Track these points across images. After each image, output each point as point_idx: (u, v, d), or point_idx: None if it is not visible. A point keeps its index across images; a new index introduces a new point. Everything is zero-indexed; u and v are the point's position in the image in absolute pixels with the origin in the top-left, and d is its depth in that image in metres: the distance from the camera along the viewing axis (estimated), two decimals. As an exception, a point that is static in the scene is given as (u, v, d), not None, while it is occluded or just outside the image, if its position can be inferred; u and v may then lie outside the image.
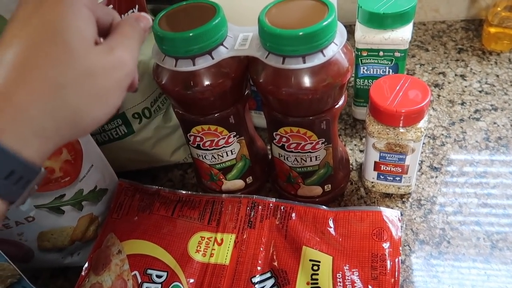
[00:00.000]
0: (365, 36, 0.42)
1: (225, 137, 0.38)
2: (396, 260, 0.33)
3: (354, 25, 0.44)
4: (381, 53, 0.43)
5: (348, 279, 0.33)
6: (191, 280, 0.35)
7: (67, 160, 0.34)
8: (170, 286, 0.35)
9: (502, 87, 0.51)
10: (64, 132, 0.21)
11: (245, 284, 0.34)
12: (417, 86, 0.36)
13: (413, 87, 0.36)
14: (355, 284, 0.33)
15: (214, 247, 0.37)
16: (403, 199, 0.42)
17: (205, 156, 0.40)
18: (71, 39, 0.20)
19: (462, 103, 0.50)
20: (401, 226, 0.39)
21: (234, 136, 0.38)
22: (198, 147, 0.39)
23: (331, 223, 0.37)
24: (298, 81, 0.31)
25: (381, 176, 0.41)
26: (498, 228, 0.38)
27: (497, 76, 0.53)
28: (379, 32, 0.41)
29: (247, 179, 0.43)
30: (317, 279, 0.33)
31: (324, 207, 0.38)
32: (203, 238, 0.38)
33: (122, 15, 0.37)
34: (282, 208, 0.38)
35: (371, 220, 0.36)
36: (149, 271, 0.36)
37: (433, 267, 0.37)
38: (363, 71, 0.45)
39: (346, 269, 0.34)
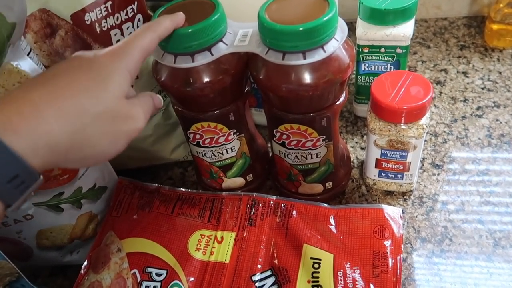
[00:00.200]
0: (367, 32, 0.42)
1: (225, 135, 0.38)
2: (398, 258, 0.33)
3: (355, 22, 0.44)
4: (382, 50, 0.42)
5: (349, 277, 0.33)
6: (191, 279, 0.35)
7: (65, 157, 0.34)
8: (170, 285, 0.35)
9: (505, 84, 0.51)
10: (72, 155, 0.23)
11: (245, 282, 0.34)
12: (419, 82, 0.36)
13: (415, 83, 0.36)
14: (356, 282, 0.32)
15: (214, 245, 0.37)
16: (405, 197, 0.42)
17: (205, 154, 0.39)
18: (110, 84, 0.24)
19: (464, 100, 0.50)
20: (403, 224, 0.39)
21: (234, 134, 0.38)
22: (198, 144, 0.39)
23: (332, 221, 0.37)
24: (299, 78, 0.30)
25: (382, 174, 0.41)
26: (500, 226, 0.38)
27: (500, 73, 0.52)
28: (380, 28, 0.41)
29: (247, 177, 0.42)
30: (318, 277, 0.33)
31: (325, 204, 0.38)
32: (203, 236, 0.37)
33: (121, 12, 0.37)
34: (282, 205, 0.38)
35: (373, 217, 0.36)
36: (149, 269, 0.36)
37: (435, 265, 0.36)
38: (364, 68, 0.45)
39: (347, 267, 0.33)
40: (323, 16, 0.29)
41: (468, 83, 0.52)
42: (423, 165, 0.44)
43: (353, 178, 0.44)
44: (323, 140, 0.36)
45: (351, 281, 0.32)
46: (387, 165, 0.39)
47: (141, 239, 0.38)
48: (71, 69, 0.24)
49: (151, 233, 0.38)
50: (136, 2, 0.38)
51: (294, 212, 0.37)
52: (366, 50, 0.43)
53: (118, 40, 0.38)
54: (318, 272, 0.33)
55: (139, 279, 0.35)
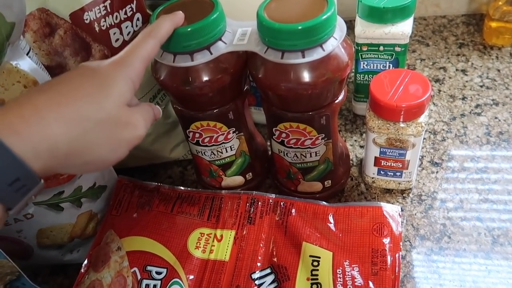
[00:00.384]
0: (365, 30, 0.42)
1: (224, 133, 0.38)
2: (397, 255, 0.33)
3: (354, 20, 0.44)
4: (381, 48, 0.42)
5: (348, 275, 0.33)
6: (191, 277, 0.35)
7: (65, 156, 0.34)
8: (170, 283, 0.35)
9: (503, 82, 0.51)
10: (72, 160, 0.23)
11: (245, 280, 0.34)
12: (417, 80, 0.36)
13: (413, 81, 0.36)
14: (356, 280, 0.32)
15: (214, 244, 0.37)
16: (404, 195, 0.42)
17: (204, 153, 0.40)
18: (113, 92, 0.25)
19: (463, 98, 0.50)
20: (402, 222, 0.39)
21: (233, 132, 0.38)
22: (197, 143, 0.39)
23: (331, 219, 0.37)
24: (297, 76, 0.30)
25: (381, 172, 0.41)
26: (499, 223, 0.38)
27: (498, 70, 0.52)
28: (379, 26, 0.41)
29: (246, 175, 0.42)
30: (317, 275, 0.33)
31: (324, 203, 0.38)
32: (202, 235, 0.38)
33: (120, 11, 0.37)
34: (282, 204, 0.38)
35: (371, 215, 0.36)
36: (149, 268, 0.36)
37: (434, 263, 0.36)
38: (363, 66, 0.45)
39: (346, 265, 0.33)
40: (322, 15, 0.29)
41: (467, 81, 0.52)
42: (422, 163, 0.44)
43: (352, 176, 0.44)
44: (322, 139, 0.36)
45: (350, 278, 0.33)
46: (386, 163, 0.39)
47: (141, 238, 0.38)
48: (74, 77, 0.25)
49: (151, 232, 0.38)
50: (135, 1, 0.38)
51: (293, 210, 0.37)
52: (365, 49, 0.43)
53: (117, 40, 0.38)
54: (317, 270, 0.33)
55: (139, 277, 0.36)
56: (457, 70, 0.53)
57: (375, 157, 0.39)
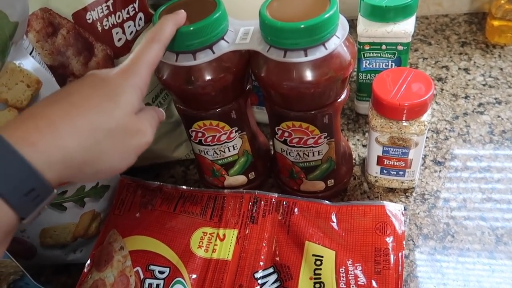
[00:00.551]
0: (368, 29, 0.42)
1: (226, 133, 0.38)
2: (400, 254, 0.33)
3: (356, 19, 0.44)
4: (383, 47, 0.42)
5: (351, 274, 0.33)
6: (194, 276, 0.35)
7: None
8: (173, 282, 0.35)
9: (506, 80, 0.51)
10: (85, 169, 0.24)
11: (247, 280, 0.34)
12: (420, 79, 0.36)
13: (416, 80, 0.36)
14: (358, 279, 0.32)
15: (217, 243, 0.37)
16: (407, 194, 0.42)
17: (207, 152, 0.40)
18: (122, 101, 0.25)
19: (466, 97, 0.50)
20: (405, 221, 0.39)
21: (236, 132, 0.38)
22: (200, 142, 0.39)
23: (334, 218, 0.37)
24: (300, 75, 0.30)
25: (384, 171, 0.41)
26: (503, 222, 0.38)
27: (501, 69, 0.52)
28: (381, 25, 0.41)
29: (249, 175, 0.42)
30: (320, 274, 0.33)
31: (327, 202, 0.38)
32: (205, 234, 0.38)
33: (123, 10, 0.37)
34: (284, 203, 0.38)
35: (374, 214, 0.36)
36: (152, 267, 0.36)
37: (437, 262, 0.36)
38: (365, 65, 0.45)
39: (349, 264, 0.33)
40: (324, 13, 0.29)
41: (469, 80, 0.52)
42: (424, 162, 0.44)
43: (355, 175, 0.44)
44: (325, 138, 0.36)
45: (353, 277, 0.33)
46: (389, 162, 0.39)
47: (143, 237, 0.38)
48: (84, 87, 0.25)
49: (153, 231, 0.38)
50: (137, 1, 0.38)
51: (296, 210, 0.37)
52: (367, 47, 0.43)
53: (120, 39, 0.38)
54: (320, 269, 0.33)
55: (142, 276, 0.36)
56: (459, 69, 0.53)
57: (378, 156, 0.39)
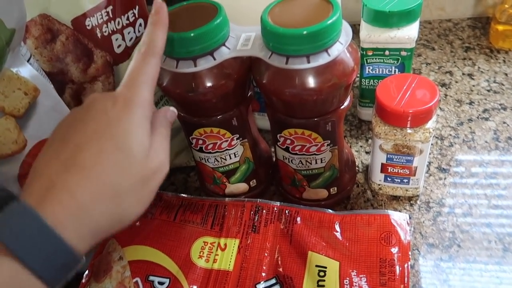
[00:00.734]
0: (370, 35, 0.41)
1: (228, 140, 0.37)
2: (406, 265, 0.32)
3: (358, 25, 0.43)
4: (387, 52, 0.42)
5: (355, 285, 0.32)
6: (194, 287, 0.34)
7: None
8: (173, 293, 0.34)
9: (511, 86, 0.50)
10: (112, 230, 0.24)
11: (249, 291, 0.33)
12: (424, 85, 0.35)
13: (420, 86, 0.35)
14: (363, 291, 0.32)
15: (218, 253, 0.36)
16: (411, 202, 0.41)
17: (207, 159, 0.39)
18: (134, 149, 0.24)
19: (470, 103, 0.49)
20: (410, 230, 0.38)
21: (237, 139, 0.37)
22: (201, 150, 0.38)
23: (337, 227, 0.36)
24: (302, 82, 0.30)
25: (388, 178, 0.40)
26: (510, 230, 0.37)
27: (506, 74, 0.51)
28: (384, 30, 0.41)
29: (250, 182, 0.42)
30: (323, 286, 0.32)
31: (330, 210, 0.37)
32: (206, 243, 0.37)
33: (122, 16, 0.37)
34: (287, 212, 0.37)
35: (379, 224, 0.35)
36: (151, 278, 0.35)
37: (444, 272, 0.35)
38: (368, 71, 0.44)
39: (354, 275, 0.33)
40: (327, 19, 0.28)
41: (473, 85, 0.51)
42: (429, 169, 0.43)
43: (358, 183, 0.44)
44: (327, 145, 0.35)
45: (358, 289, 0.32)
46: (393, 170, 0.39)
47: (143, 247, 0.37)
48: (92, 138, 0.23)
49: (153, 241, 0.37)
50: (137, 7, 0.38)
51: (298, 219, 0.37)
52: (370, 53, 0.43)
53: (120, 45, 0.37)
54: (324, 281, 0.33)
55: (141, 287, 0.35)
56: (463, 74, 0.53)
57: (382, 164, 0.39)
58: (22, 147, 0.30)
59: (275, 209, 0.38)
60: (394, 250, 0.33)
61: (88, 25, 0.35)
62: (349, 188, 0.41)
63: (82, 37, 0.35)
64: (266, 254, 0.35)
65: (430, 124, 0.35)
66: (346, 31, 0.31)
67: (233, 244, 0.36)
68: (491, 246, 0.37)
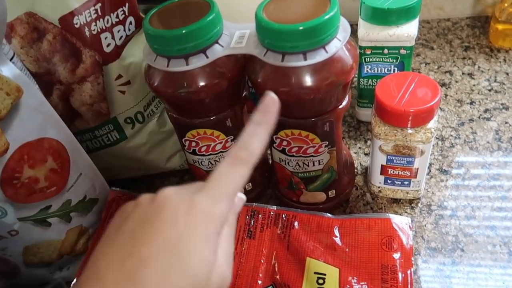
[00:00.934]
0: (369, 33, 0.40)
1: (222, 142, 0.36)
2: (408, 272, 0.31)
3: (356, 24, 0.42)
4: (385, 51, 0.41)
5: (356, 293, 0.31)
6: (188, 296, 0.33)
7: (52, 168, 0.32)
8: (165, 303, 0.32)
9: (512, 85, 0.49)
10: None
11: (245, 299, 0.32)
12: (425, 84, 0.34)
13: (421, 85, 0.34)
14: (365, 299, 0.30)
15: (212, 260, 0.35)
16: (412, 205, 0.40)
17: (201, 162, 0.38)
18: (199, 270, 0.21)
19: (471, 103, 0.48)
20: (412, 234, 0.37)
21: (231, 141, 0.36)
22: (194, 152, 0.37)
23: (336, 232, 0.35)
24: (299, 80, 0.29)
25: (388, 181, 0.39)
26: (515, 234, 0.36)
27: (507, 74, 0.50)
28: (383, 28, 0.39)
29: (246, 186, 0.40)
30: (323, 293, 0.31)
31: (329, 214, 0.36)
32: (200, 250, 0.35)
33: (112, 14, 0.35)
34: (283, 216, 0.36)
35: (380, 228, 0.34)
36: (143, 286, 0.34)
37: (447, 278, 0.34)
38: (366, 70, 0.43)
39: (354, 282, 0.31)
40: (324, 14, 0.27)
41: (474, 85, 0.50)
42: (430, 171, 0.42)
43: (357, 186, 0.42)
44: (325, 146, 0.34)
45: (359, 297, 0.30)
46: (393, 172, 0.37)
47: (134, 254, 0.36)
48: (160, 252, 0.21)
49: (145, 247, 0.36)
50: (127, 4, 0.37)
51: (296, 223, 0.35)
52: (368, 52, 0.41)
53: (109, 44, 0.36)
54: (323, 288, 0.31)
55: (132, 297, 0.33)
56: (463, 73, 0.52)
57: (382, 165, 0.37)
58: (4, 150, 0.28)
59: (272, 213, 0.36)
60: (396, 255, 0.32)
61: (76, 24, 0.34)
62: (348, 191, 0.40)
63: (70, 36, 0.34)
64: (262, 261, 0.34)
65: (432, 124, 0.34)
66: (344, 27, 0.30)
67: (228, 250, 0.35)
68: (496, 250, 0.35)
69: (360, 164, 0.44)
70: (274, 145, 0.35)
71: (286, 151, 0.35)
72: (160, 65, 0.31)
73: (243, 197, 0.26)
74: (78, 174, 0.35)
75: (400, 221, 0.34)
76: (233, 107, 0.35)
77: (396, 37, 0.39)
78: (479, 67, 0.52)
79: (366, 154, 0.45)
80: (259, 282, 0.33)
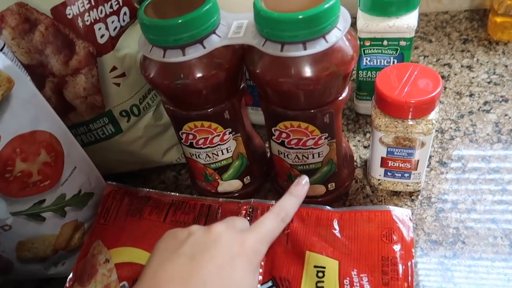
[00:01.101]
0: (368, 24, 0.39)
1: (220, 134, 0.35)
2: (409, 263, 0.31)
3: (354, 17, 0.41)
4: (385, 42, 0.40)
5: (356, 285, 0.30)
6: (186, 291, 0.32)
7: (46, 162, 0.31)
8: (163, 298, 0.32)
9: (512, 78, 0.49)
10: None
11: (244, 294, 0.31)
12: (426, 74, 0.33)
13: (422, 76, 0.33)
14: (365, 292, 0.30)
15: (210, 254, 0.34)
16: (412, 197, 0.39)
17: (198, 155, 0.37)
18: None
19: (471, 95, 0.48)
20: (412, 226, 0.36)
21: (229, 133, 0.36)
22: (191, 145, 0.36)
23: (336, 225, 0.34)
24: (299, 70, 0.28)
25: (388, 173, 0.38)
26: (515, 226, 0.36)
27: (506, 66, 0.50)
28: (382, 19, 0.39)
29: (244, 179, 0.40)
30: (322, 287, 0.31)
31: (328, 207, 0.35)
32: (198, 245, 0.35)
33: (105, 4, 0.35)
34: (283, 210, 0.35)
35: (380, 220, 0.33)
36: (140, 282, 0.33)
37: (448, 271, 0.34)
38: (366, 62, 0.43)
39: (354, 275, 0.31)
40: (324, 3, 0.26)
41: (473, 77, 0.50)
42: (430, 163, 0.42)
43: (357, 178, 0.42)
44: (325, 138, 0.33)
45: (359, 290, 0.30)
46: (394, 164, 0.37)
47: (131, 249, 0.35)
48: (216, 277, 0.26)
49: (141, 242, 0.35)
50: (121, -5, 0.36)
51: (294, 217, 0.35)
52: (367, 43, 0.41)
53: (103, 35, 0.35)
54: (323, 282, 0.31)
55: (129, 292, 0.33)
56: (462, 66, 0.51)
57: (382, 158, 0.37)
58: (-5, 143, 0.27)
59: (271, 208, 0.36)
60: (397, 247, 0.32)
61: (69, 14, 0.33)
62: (347, 184, 0.40)
63: (62, 27, 0.33)
64: (261, 255, 0.33)
65: (433, 115, 0.33)
66: (344, 17, 0.29)
67: (226, 245, 0.34)
68: (497, 242, 0.35)
69: (360, 157, 0.44)
70: (273, 137, 0.35)
71: (286, 143, 0.34)
72: (156, 56, 0.30)
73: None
74: (72, 167, 0.34)
75: (401, 213, 0.33)
76: (231, 99, 0.34)
77: (395, 28, 0.39)
78: (478, 59, 0.52)
79: (365, 147, 0.45)
80: (259, 277, 0.32)
